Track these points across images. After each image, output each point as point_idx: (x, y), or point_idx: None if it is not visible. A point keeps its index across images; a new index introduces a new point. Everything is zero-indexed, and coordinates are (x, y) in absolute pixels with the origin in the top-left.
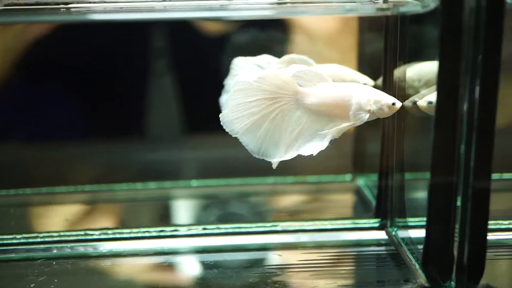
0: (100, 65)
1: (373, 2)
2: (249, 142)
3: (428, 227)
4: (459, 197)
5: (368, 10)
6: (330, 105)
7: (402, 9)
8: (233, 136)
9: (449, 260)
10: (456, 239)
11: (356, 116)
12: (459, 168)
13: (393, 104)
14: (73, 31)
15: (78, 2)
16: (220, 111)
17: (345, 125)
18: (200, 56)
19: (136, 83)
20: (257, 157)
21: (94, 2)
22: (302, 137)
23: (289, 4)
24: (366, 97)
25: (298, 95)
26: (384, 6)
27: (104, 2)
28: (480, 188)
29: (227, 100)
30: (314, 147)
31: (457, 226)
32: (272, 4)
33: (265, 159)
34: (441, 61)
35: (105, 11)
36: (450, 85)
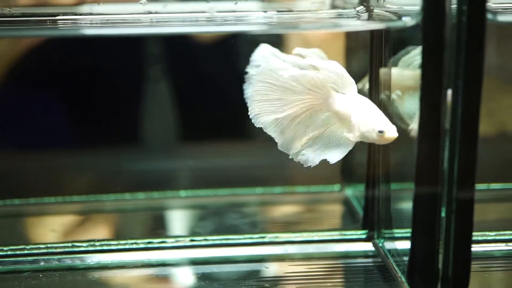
0: (93, 73)
1: (358, 15)
2: (275, 135)
3: (413, 238)
4: (444, 208)
5: (354, 26)
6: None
7: (387, 24)
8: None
9: (434, 273)
10: (441, 251)
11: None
12: (443, 179)
13: (380, 131)
14: (66, 38)
15: (64, 14)
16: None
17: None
18: (195, 63)
19: (129, 90)
20: (279, 149)
21: (81, 15)
22: (323, 140)
23: (276, 19)
24: (360, 118)
25: (331, 98)
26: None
27: (91, 15)
28: (464, 199)
29: (255, 90)
30: (337, 154)
31: (441, 237)
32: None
33: (287, 152)
34: (423, 75)
35: (91, 26)
36: (433, 97)
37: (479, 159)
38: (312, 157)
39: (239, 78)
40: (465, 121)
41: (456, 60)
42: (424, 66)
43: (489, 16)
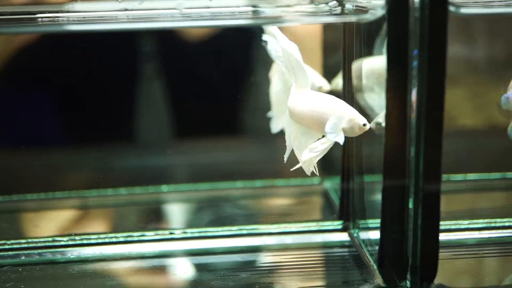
0: (88, 71)
1: (331, 10)
2: None
3: (382, 229)
4: (411, 199)
5: (327, 19)
6: (309, 120)
7: (357, 17)
8: None
9: (403, 261)
10: (409, 240)
11: (331, 134)
12: (410, 171)
13: (364, 125)
14: (60, 36)
15: (42, 12)
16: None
17: (324, 147)
18: (188, 61)
19: (124, 88)
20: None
21: (58, 12)
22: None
23: (251, 14)
24: (342, 114)
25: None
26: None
27: (68, 12)
28: (430, 190)
29: None
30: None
31: (410, 227)
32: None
33: None
34: (388, 67)
35: (69, 23)
36: (398, 90)
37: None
38: None
39: (227, 74)
40: (430, 113)
41: (420, 52)
42: (389, 58)
43: (452, 8)
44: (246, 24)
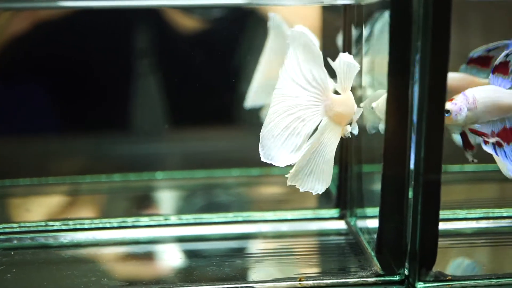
0: (83, 60)
1: None
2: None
3: (381, 217)
4: (411, 188)
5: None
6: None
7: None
8: None
9: (402, 249)
10: (409, 228)
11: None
12: (410, 160)
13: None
14: (56, 26)
15: None
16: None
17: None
18: (183, 50)
19: (118, 77)
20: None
21: None
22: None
23: None
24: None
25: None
26: None
27: None
28: (431, 179)
29: None
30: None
31: (409, 215)
32: None
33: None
34: (391, 52)
35: None
36: (400, 76)
37: None
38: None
39: (221, 62)
40: (432, 101)
41: (423, 36)
42: (391, 41)
43: None
44: (243, 4)
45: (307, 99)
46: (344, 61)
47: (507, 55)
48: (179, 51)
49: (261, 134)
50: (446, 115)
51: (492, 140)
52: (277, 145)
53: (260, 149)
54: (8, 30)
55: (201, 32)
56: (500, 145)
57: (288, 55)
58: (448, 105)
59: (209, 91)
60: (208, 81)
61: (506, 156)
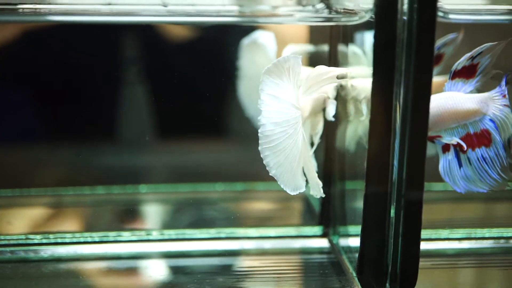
0: (68, 69)
1: (317, 12)
2: None
3: (362, 236)
4: (393, 206)
5: (314, 20)
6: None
7: (343, 20)
8: None
9: (383, 269)
10: (390, 248)
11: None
12: (393, 178)
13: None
14: (41, 32)
15: (22, 3)
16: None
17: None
18: (170, 61)
19: (105, 86)
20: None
21: (40, 4)
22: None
23: (247, 13)
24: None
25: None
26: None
27: (50, 4)
28: (413, 198)
29: None
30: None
31: (391, 235)
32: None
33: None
34: (374, 71)
35: (50, 13)
36: (383, 95)
37: None
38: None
39: (209, 75)
40: (414, 119)
41: (406, 57)
42: (375, 62)
43: (440, 14)
44: (231, 22)
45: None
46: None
47: (472, 58)
48: (166, 61)
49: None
50: None
51: (450, 141)
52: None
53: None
54: None
55: (190, 41)
56: (462, 150)
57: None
58: None
59: (196, 102)
60: (195, 92)
61: (470, 163)
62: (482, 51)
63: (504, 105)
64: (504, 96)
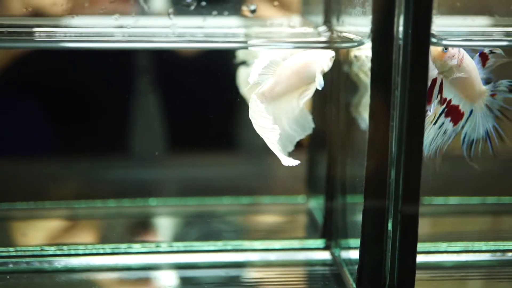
0: (81, 82)
1: (319, 35)
2: None
3: (361, 248)
4: (390, 220)
5: (316, 46)
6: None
7: (343, 45)
8: None
9: (381, 281)
10: (388, 261)
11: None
12: (390, 194)
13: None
14: (55, 51)
15: (39, 26)
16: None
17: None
18: (181, 76)
19: (117, 100)
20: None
21: (55, 27)
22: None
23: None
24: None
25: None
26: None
27: (66, 27)
28: (409, 212)
29: None
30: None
31: (388, 248)
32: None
33: None
34: (372, 94)
35: (66, 40)
36: (381, 115)
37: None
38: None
39: (219, 90)
40: (410, 138)
41: (402, 81)
42: (372, 84)
43: (434, 40)
44: (235, 47)
45: None
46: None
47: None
48: (177, 77)
49: None
50: (445, 50)
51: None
52: None
53: None
54: (7, 51)
55: (201, 57)
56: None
57: None
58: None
59: (206, 118)
60: (206, 108)
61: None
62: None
63: (487, 105)
64: (493, 95)
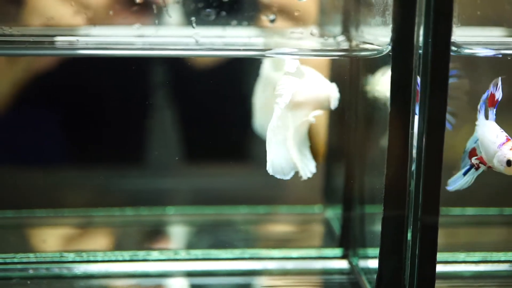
0: (98, 93)
1: (338, 44)
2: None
3: (380, 258)
4: (410, 230)
5: (335, 55)
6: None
7: (362, 53)
8: None
9: None
10: (407, 270)
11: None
12: (409, 203)
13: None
14: (73, 61)
15: (61, 35)
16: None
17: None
18: (196, 87)
19: (134, 111)
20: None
21: (77, 36)
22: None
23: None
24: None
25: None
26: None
27: (86, 36)
28: (429, 222)
29: None
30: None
31: (407, 257)
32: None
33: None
34: (392, 102)
35: (87, 48)
36: (400, 124)
37: None
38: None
39: (234, 101)
40: (430, 148)
41: (422, 89)
42: (392, 94)
43: (454, 48)
44: (255, 55)
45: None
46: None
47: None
48: (194, 87)
49: None
50: None
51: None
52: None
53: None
54: (24, 61)
55: (217, 68)
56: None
57: None
58: None
59: (224, 127)
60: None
61: None
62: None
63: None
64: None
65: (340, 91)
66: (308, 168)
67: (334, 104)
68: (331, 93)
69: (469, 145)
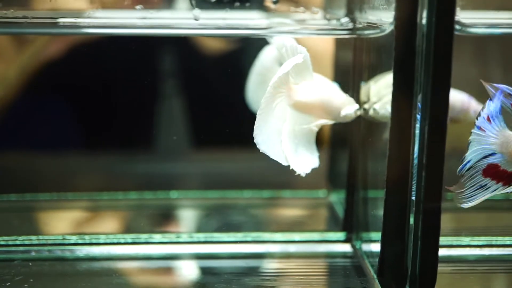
0: (106, 79)
1: (342, 25)
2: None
3: (383, 241)
4: (412, 214)
5: (337, 33)
6: (316, 106)
7: (366, 32)
8: None
9: (402, 272)
10: (410, 253)
11: (344, 118)
12: (411, 188)
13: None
14: (81, 46)
15: (63, 17)
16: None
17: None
18: (204, 74)
19: (140, 97)
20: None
21: (79, 17)
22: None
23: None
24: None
25: (290, 91)
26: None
27: (89, 18)
28: (431, 206)
29: None
30: (305, 164)
31: (410, 240)
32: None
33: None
34: (394, 81)
35: (89, 26)
36: (403, 105)
37: None
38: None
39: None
40: (433, 129)
41: (425, 68)
42: (395, 73)
43: (457, 27)
44: (259, 34)
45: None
46: (289, 46)
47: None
48: (201, 72)
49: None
50: None
51: None
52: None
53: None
54: (40, 51)
55: (224, 53)
56: None
57: None
58: None
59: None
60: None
61: None
62: None
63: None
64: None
65: (344, 75)
66: (306, 163)
67: (349, 115)
68: (348, 104)
69: (476, 159)
